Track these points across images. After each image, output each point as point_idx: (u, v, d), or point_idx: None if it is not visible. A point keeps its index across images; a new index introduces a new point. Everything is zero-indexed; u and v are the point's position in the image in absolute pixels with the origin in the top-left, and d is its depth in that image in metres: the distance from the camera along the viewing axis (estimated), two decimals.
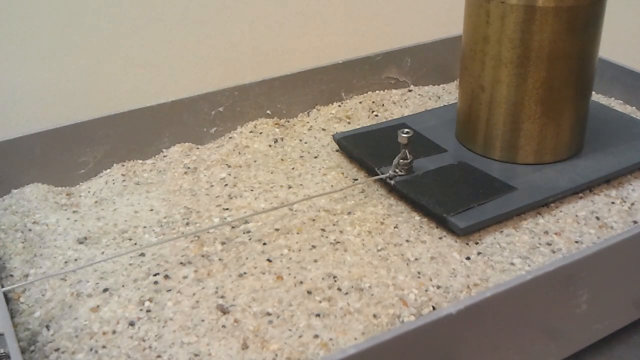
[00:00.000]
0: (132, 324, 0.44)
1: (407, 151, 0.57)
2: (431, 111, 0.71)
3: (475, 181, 0.57)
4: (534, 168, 0.59)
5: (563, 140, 0.60)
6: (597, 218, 0.54)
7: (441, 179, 0.57)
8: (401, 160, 0.57)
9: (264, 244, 0.51)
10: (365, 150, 0.62)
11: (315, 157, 0.64)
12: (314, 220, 0.54)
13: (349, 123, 0.71)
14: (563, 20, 0.55)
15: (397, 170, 0.57)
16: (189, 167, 0.63)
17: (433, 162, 0.60)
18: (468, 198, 0.54)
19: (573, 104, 0.59)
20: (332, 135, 0.66)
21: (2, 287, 0.48)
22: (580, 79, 0.58)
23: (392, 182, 0.57)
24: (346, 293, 0.46)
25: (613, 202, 0.56)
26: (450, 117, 0.67)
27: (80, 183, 0.62)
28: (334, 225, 0.53)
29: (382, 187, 0.59)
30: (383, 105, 0.75)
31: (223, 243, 0.52)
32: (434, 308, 0.45)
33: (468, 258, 0.50)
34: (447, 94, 0.79)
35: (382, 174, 0.58)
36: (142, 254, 0.51)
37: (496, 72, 0.58)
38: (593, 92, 0.76)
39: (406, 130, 0.56)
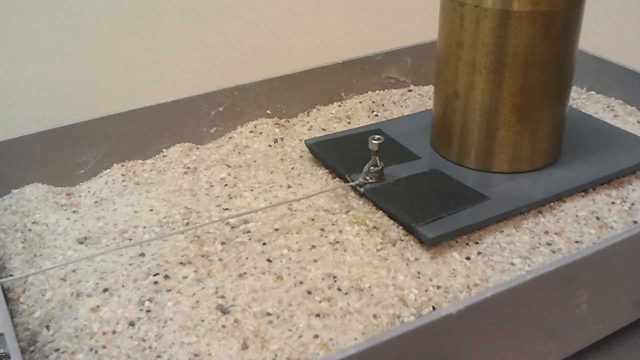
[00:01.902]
0: (132, 324, 0.44)
1: (377, 158, 0.56)
2: (407, 117, 0.70)
3: (447, 190, 0.56)
4: (509, 177, 0.58)
5: (539, 149, 0.58)
6: (598, 218, 0.54)
7: (412, 187, 0.56)
8: (371, 168, 0.56)
9: (264, 244, 0.51)
10: (336, 156, 0.61)
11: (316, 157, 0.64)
12: (313, 220, 0.54)
13: (349, 123, 0.71)
14: (538, 25, 0.53)
15: (367, 177, 0.56)
16: (189, 167, 0.63)
17: (405, 170, 0.59)
18: (438, 207, 0.53)
19: (549, 112, 0.57)
20: (305, 141, 0.64)
21: (2, 286, 0.48)
22: (556, 85, 0.57)
23: (362, 189, 0.56)
24: (346, 293, 0.46)
25: (613, 202, 0.56)
26: (426, 124, 0.65)
27: (80, 183, 0.62)
28: (332, 225, 0.53)
29: (356, 194, 0.58)
30: (383, 105, 0.75)
31: (223, 243, 0.52)
32: (434, 308, 0.45)
33: (468, 258, 0.50)
34: None
35: (353, 181, 0.57)
36: (142, 254, 0.51)
37: (470, 77, 0.56)
38: (593, 92, 0.77)
39: (377, 136, 0.55)
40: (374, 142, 0.55)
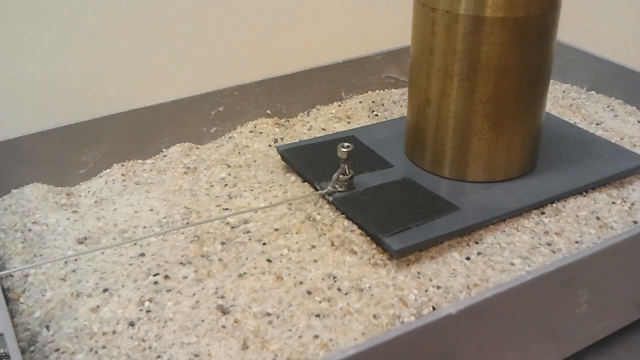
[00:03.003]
0: (132, 324, 0.44)
1: (346, 166, 0.54)
2: (382, 123, 0.69)
3: (418, 200, 0.54)
4: (483, 186, 0.57)
5: (513, 158, 0.57)
6: (598, 218, 0.54)
7: (382, 197, 0.55)
8: (341, 176, 0.54)
9: (264, 244, 0.51)
10: (307, 163, 0.59)
11: None
12: (310, 221, 0.54)
13: (349, 123, 0.71)
14: (511, 32, 0.52)
15: (336, 186, 0.55)
16: (188, 167, 0.63)
17: (377, 178, 0.57)
18: (407, 218, 0.51)
19: (523, 120, 0.56)
20: (276, 147, 0.63)
21: (2, 287, 0.48)
22: (531, 93, 0.55)
23: (330, 198, 0.55)
24: (346, 293, 0.46)
25: (614, 202, 0.56)
26: (402, 131, 0.63)
27: (80, 183, 0.62)
28: (332, 224, 0.53)
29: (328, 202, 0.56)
30: (383, 104, 0.75)
31: (223, 243, 0.52)
32: (433, 308, 0.45)
33: (468, 258, 0.50)
34: None
35: (322, 189, 0.55)
36: (142, 254, 0.51)
37: (442, 85, 0.55)
38: (593, 92, 0.77)
39: (346, 144, 0.54)
40: (343, 150, 0.53)
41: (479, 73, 0.53)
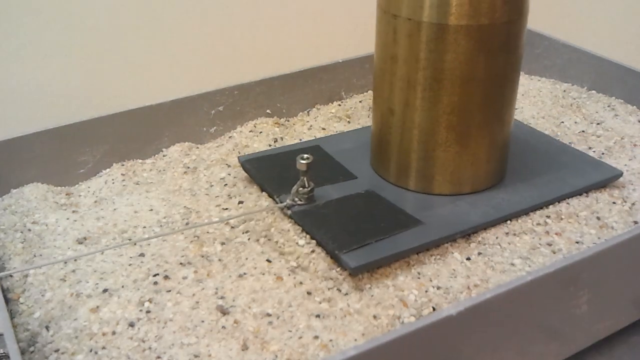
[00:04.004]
0: (131, 324, 0.44)
1: (305, 179, 0.52)
2: (349, 133, 0.66)
3: (380, 213, 0.52)
4: (449, 199, 0.55)
5: (480, 170, 0.55)
6: (598, 218, 0.54)
7: (343, 210, 0.52)
8: (300, 189, 0.53)
9: (264, 244, 0.51)
10: (268, 175, 0.57)
11: None
12: None
13: (349, 122, 0.71)
14: (475, 40, 0.50)
15: (295, 199, 0.53)
16: (188, 167, 0.63)
17: (340, 191, 0.55)
18: (367, 233, 0.50)
19: (489, 131, 0.54)
20: (238, 158, 0.61)
21: (2, 287, 0.48)
22: (496, 103, 0.53)
23: (289, 212, 0.53)
24: (346, 294, 0.46)
25: (614, 202, 0.56)
26: (368, 140, 0.61)
27: (80, 183, 0.62)
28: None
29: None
30: None
31: (223, 243, 0.52)
32: (434, 309, 0.45)
33: (468, 259, 0.50)
34: None
35: (282, 201, 0.53)
36: (142, 254, 0.51)
37: (405, 94, 0.53)
38: (594, 91, 0.76)
39: (305, 156, 0.52)
40: (302, 162, 0.51)
41: (443, 83, 0.52)
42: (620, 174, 0.58)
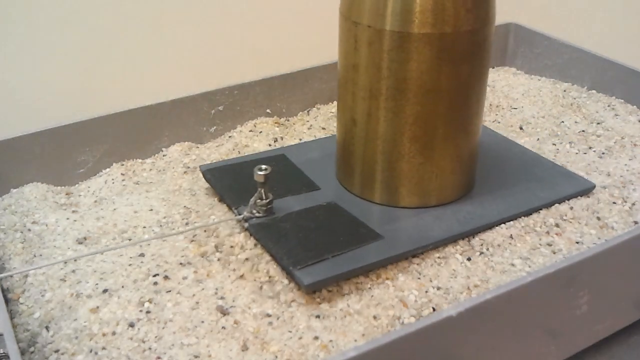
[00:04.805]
0: (131, 325, 0.44)
1: (263, 191, 0.50)
2: (317, 141, 0.65)
3: (340, 227, 0.50)
4: (415, 212, 0.53)
5: (446, 182, 0.54)
6: (598, 218, 0.54)
7: (302, 223, 0.51)
8: (258, 201, 0.51)
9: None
10: (229, 185, 0.56)
11: None
12: None
13: None
14: (437, 49, 0.49)
15: (253, 211, 0.51)
16: (188, 167, 0.63)
17: (301, 202, 0.53)
18: (324, 248, 0.48)
19: (455, 143, 0.53)
20: (199, 167, 0.59)
21: (2, 287, 0.48)
22: (461, 114, 0.52)
23: (246, 224, 0.51)
24: (346, 294, 0.46)
25: (614, 202, 0.56)
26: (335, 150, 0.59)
27: (80, 182, 0.62)
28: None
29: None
30: None
31: (222, 244, 0.51)
32: (434, 309, 0.45)
33: (469, 259, 0.50)
34: None
35: (241, 213, 0.51)
36: (142, 255, 0.51)
37: (367, 104, 0.51)
38: (594, 91, 0.76)
39: (264, 167, 0.50)
40: (260, 173, 0.49)
41: (405, 93, 0.50)
42: (593, 187, 0.57)
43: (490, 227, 0.53)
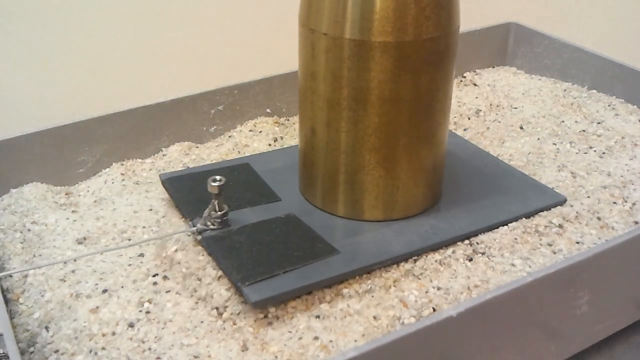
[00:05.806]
0: (131, 325, 0.44)
1: (217, 202, 0.49)
2: (283, 150, 0.63)
3: (296, 241, 0.49)
4: (377, 226, 0.51)
5: (408, 195, 0.52)
6: (599, 218, 0.54)
7: (257, 237, 0.49)
8: (212, 212, 0.49)
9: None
10: (186, 195, 0.54)
11: None
12: None
13: None
14: (395, 58, 0.47)
15: (208, 223, 0.50)
16: (188, 167, 0.63)
17: (259, 214, 0.52)
18: (276, 263, 0.46)
19: (417, 155, 0.51)
20: (160, 175, 0.58)
21: (2, 287, 0.47)
22: (424, 124, 0.50)
23: (199, 237, 0.49)
24: (346, 294, 0.46)
25: (615, 202, 0.56)
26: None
27: (79, 182, 0.62)
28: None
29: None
30: None
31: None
32: (434, 310, 0.45)
33: (470, 259, 0.50)
34: None
35: (195, 225, 0.50)
36: (142, 255, 0.51)
37: (326, 114, 0.50)
38: (594, 91, 0.76)
39: (218, 178, 0.48)
40: (213, 184, 0.48)
41: (364, 102, 0.48)
42: (564, 200, 0.55)
43: (453, 242, 0.51)
